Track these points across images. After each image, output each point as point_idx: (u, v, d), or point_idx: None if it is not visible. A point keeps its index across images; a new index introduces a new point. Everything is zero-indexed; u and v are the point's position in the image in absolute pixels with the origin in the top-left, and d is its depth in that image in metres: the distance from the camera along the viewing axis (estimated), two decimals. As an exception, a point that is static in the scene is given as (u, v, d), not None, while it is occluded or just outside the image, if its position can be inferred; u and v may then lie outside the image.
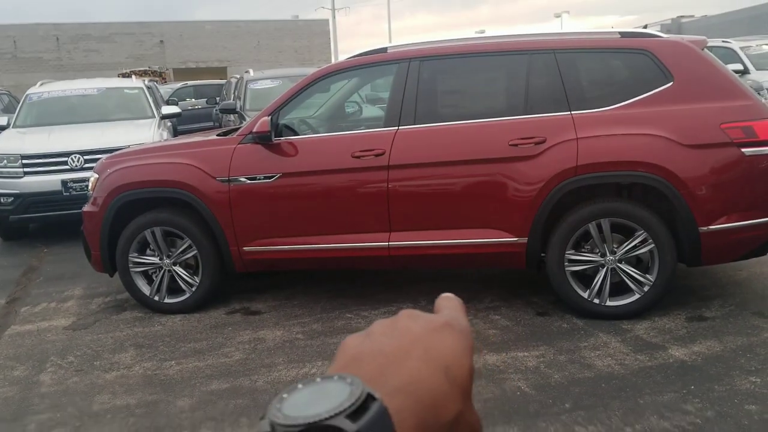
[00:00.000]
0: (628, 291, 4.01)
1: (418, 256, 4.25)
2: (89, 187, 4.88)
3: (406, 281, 4.97)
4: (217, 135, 4.81)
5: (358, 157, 4.23)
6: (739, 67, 9.63)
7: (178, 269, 4.65)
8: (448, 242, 4.15)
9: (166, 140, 5.26)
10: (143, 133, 7.57)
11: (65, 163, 7.13)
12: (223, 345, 4.06)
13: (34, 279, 5.91)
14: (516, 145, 4.01)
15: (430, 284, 4.87)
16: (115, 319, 4.67)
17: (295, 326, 4.28)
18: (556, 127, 4.00)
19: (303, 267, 4.62)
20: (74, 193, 7.06)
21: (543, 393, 3.19)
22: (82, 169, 7.12)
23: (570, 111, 4.01)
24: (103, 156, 5.10)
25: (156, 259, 4.67)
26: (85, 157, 7.15)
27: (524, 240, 4.05)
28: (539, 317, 4.14)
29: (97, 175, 4.77)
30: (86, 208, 4.81)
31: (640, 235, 3.91)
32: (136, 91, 9.24)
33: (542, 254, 4.11)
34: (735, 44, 10.59)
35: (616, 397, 3.10)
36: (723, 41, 10.61)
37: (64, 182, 7.06)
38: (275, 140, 4.36)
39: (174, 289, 4.70)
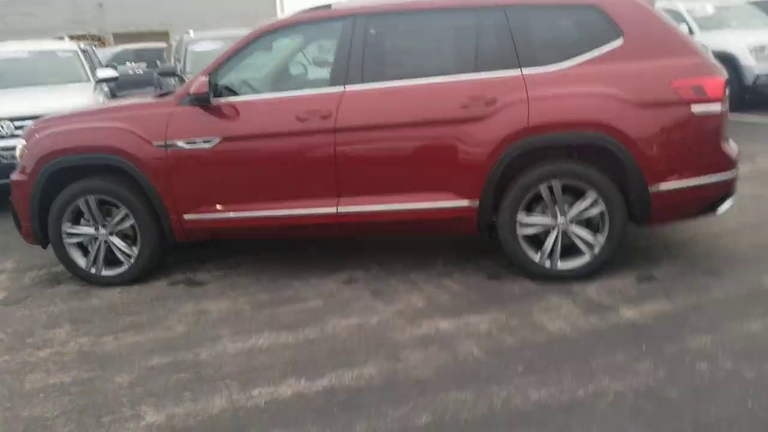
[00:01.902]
0: (578, 253, 3.97)
1: (369, 222, 4.12)
2: (17, 155, 4.58)
3: (358, 248, 4.84)
4: (153, 98, 4.55)
5: (302, 119, 4.05)
6: (685, 28, 9.68)
7: (115, 240, 4.41)
8: (399, 207, 4.03)
9: (99, 104, 4.96)
10: (77, 98, 7.18)
11: (-7, 129, 6.72)
12: (165, 318, 3.88)
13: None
14: (466, 106, 3.89)
15: (382, 251, 4.75)
16: (50, 293, 4.42)
17: (240, 297, 4.12)
18: (506, 86, 3.89)
19: (247, 236, 4.44)
20: (4, 161, 6.67)
21: (495, 357, 3.13)
22: (12, 136, 6.73)
23: (520, 69, 3.90)
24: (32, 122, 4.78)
25: (91, 230, 4.42)
26: (15, 124, 6.76)
27: (476, 204, 3.96)
28: (491, 281, 4.08)
29: (24, 142, 4.47)
30: (14, 176, 4.51)
31: (591, 196, 3.86)
32: (69, 54, 8.78)
33: (493, 219, 4.03)
34: (681, 5, 10.65)
35: (568, 359, 3.06)
36: (668, 2, 10.65)
37: (-8, 150, 6.66)
38: (214, 102, 4.14)
39: (112, 261, 4.47)
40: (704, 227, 4.75)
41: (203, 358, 3.34)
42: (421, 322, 3.56)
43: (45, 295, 4.40)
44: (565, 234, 3.95)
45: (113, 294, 4.32)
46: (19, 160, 4.53)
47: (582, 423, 2.58)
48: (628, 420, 2.58)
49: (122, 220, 4.37)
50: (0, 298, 4.41)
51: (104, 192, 4.32)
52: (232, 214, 4.23)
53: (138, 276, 4.45)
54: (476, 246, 4.68)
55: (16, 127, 6.74)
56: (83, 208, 4.36)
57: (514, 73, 3.90)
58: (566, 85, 3.84)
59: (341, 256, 4.72)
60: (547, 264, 3.98)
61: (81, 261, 4.47)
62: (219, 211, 4.24)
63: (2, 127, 6.72)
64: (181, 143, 4.17)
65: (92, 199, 4.34)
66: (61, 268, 4.76)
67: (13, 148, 6.54)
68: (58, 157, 4.31)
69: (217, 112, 4.16)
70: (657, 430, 2.53)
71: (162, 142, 4.19)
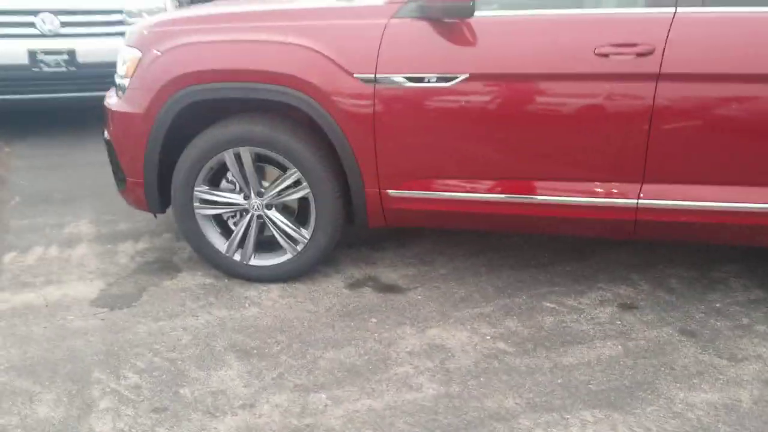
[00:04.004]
0: None
1: (685, 224, 2.69)
2: (122, 71, 3.00)
3: (603, 246, 3.40)
4: (343, 1, 2.96)
5: (605, 55, 2.54)
6: None
7: (276, 216, 2.94)
8: (747, 207, 2.61)
9: (256, 2, 3.23)
10: None
11: (31, 24, 5.03)
12: (386, 356, 2.48)
13: (5, 199, 4.03)
14: None
15: (613, 250, 3.35)
16: (172, 289, 2.97)
17: (480, 324, 2.71)
18: None
19: (482, 226, 3.01)
20: (46, 69, 5.05)
21: None
22: (57, 35, 5.08)
23: None
24: (144, 21, 3.17)
25: (239, 198, 2.94)
26: (61, 18, 5.08)
27: None
28: None
29: (138, 53, 2.88)
30: (117, 105, 2.98)
31: None
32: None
33: None
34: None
35: None
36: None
37: (31, 53, 4.99)
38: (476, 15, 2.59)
39: (264, 245, 3.02)
40: None
41: (520, 468, 1.96)
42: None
43: (167, 292, 2.94)
44: None
45: (273, 298, 2.88)
46: (123, 79, 2.97)
47: None
48: None
49: (291, 187, 2.89)
50: (96, 291, 2.94)
51: (268, 144, 2.80)
52: (467, 195, 2.77)
53: (303, 270, 3.01)
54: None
55: (63, 24, 5.07)
56: (231, 165, 2.86)
57: None
58: None
59: (579, 256, 3.31)
60: None
61: (219, 242, 3.00)
62: (448, 188, 2.78)
63: (43, 21, 5.02)
64: (399, 78, 2.65)
65: (247, 153, 2.83)
66: (165, 239, 3.33)
67: (59, 53, 4.96)
68: (200, 83, 2.77)
69: (458, 32, 2.63)
70: None
71: (370, 75, 2.66)
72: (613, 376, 2.38)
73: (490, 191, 2.75)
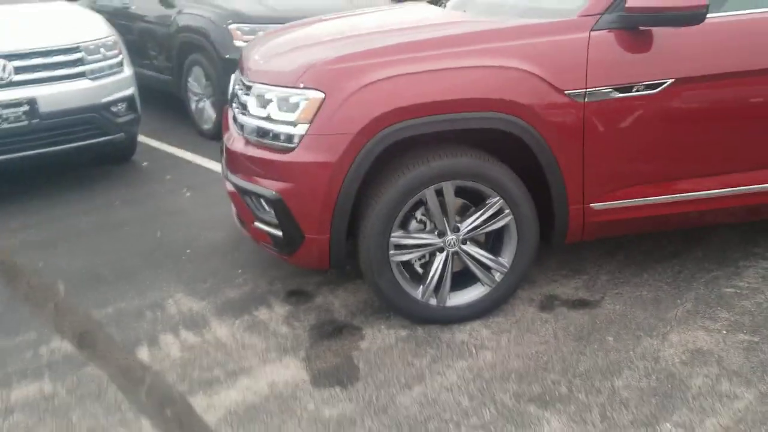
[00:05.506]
0: None
1: None
2: (289, 117, 2.56)
3: (698, 230, 3.61)
4: (527, 18, 2.81)
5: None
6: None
7: (473, 249, 2.74)
8: None
9: (447, 23, 2.90)
10: (95, 23, 4.82)
11: (-19, 74, 4.14)
12: (669, 372, 2.43)
13: (45, 287, 3.29)
14: None
15: (732, 231, 3.60)
16: (380, 350, 2.64)
17: (702, 320, 2.76)
18: None
19: (679, 226, 3.04)
20: (4, 125, 4.18)
21: None
22: (11, 84, 4.23)
23: None
24: (312, 58, 2.72)
25: (434, 238, 2.69)
26: (15, 63, 4.23)
27: None
28: None
29: (320, 94, 2.50)
30: (292, 155, 2.56)
31: None
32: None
33: None
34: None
35: None
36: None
37: (-16, 108, 4.11)
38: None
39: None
40: None
41: None
42: None
43: (377, 356, 2.60)
44: None
45: (489, 337, 2.70)
46: (295, 126, 2.54)
47: None
48: None
49: (492, 217, 2.71)
50: (304, 372, 2.52)
51: (475, 175, 2.61)
52: (672, 197, 2.82)
53: (501, 301, 2.86)
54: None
55: (18, 70, 4.24)
56: (431, 203, 2.62)
57: None
58: None
59: (666, 237, 3.49)
60: None
61: (411, 288, 2.73)
62: (652, 193, 2.80)
63: (-4, 69, 4.16)
64: (608, 90, 2.61)
65: (450, 188, 2.61)
66: (299, 297, 3.02)
67: (18, 104, 4.23)
68: (402, 121, 2.49)
69: (658, 39, 2.65)
70: None
71: (580, 90, 2.59)
72: None
73: (700, 190, 2.81)
